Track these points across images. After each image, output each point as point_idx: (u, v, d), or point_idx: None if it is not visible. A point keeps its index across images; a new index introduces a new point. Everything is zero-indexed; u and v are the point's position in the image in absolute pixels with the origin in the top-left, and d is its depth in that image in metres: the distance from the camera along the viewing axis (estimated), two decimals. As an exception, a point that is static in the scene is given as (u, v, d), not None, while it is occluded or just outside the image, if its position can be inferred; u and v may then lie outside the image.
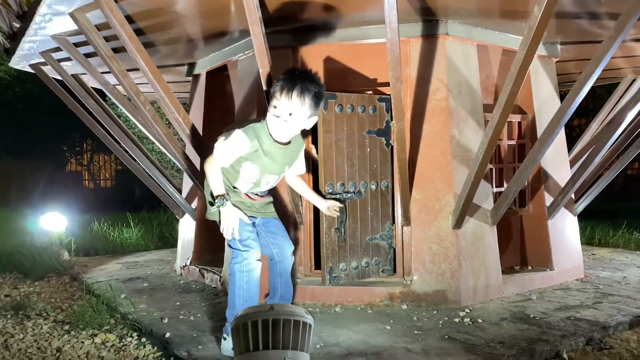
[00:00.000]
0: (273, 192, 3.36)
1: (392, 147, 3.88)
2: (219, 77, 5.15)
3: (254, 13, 3.14)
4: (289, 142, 2.96)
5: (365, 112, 3.81)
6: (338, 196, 3.65)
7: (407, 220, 3.87)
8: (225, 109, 5.01)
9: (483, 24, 4.03)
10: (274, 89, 2.80)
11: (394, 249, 3.97)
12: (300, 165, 3.21)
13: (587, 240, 6.71)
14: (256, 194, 3.09)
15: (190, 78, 5.50)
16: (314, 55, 4.08)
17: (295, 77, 2.77)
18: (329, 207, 3.45)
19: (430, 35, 3.88)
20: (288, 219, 4.02)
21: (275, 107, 2.79)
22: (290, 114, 2.76)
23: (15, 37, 4.71)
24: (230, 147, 2.81)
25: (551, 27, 3.97)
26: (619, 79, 5.95)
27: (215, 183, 2.87)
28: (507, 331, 3.19)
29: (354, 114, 3.76)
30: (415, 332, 3.22)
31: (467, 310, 3.62)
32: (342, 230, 3.70)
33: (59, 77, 5.29)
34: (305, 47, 4.08)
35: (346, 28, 3.96)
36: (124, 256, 6.48)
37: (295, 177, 3.31)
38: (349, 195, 3.72)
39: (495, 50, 4.35)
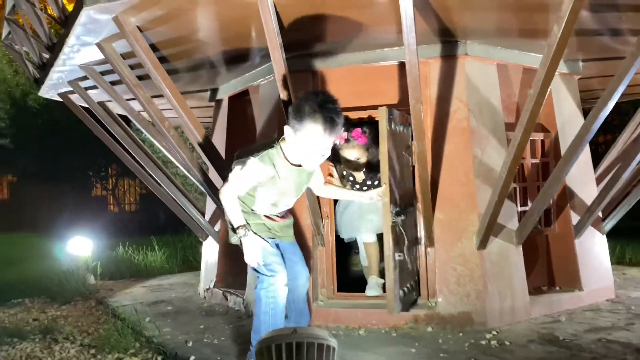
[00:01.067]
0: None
1: (413, 167, 3.86)
2: (240, 102, 5.23)
3: (275, 40, 3.20)
4: None
5: (402, 130, 3.70)
6: (396, 219, 3.44)
7: (430, 241, 3.83)
8: (247, 132, 5.07)
9: (502, 44, 4.03)
10: (305, 122, 2.69)
11: (418, 271, 3.92)
12: (319, 175, 3.18)
13: (618, 259, 6.52)
14: (276, 215, 3.06)
15: (213, 103, 5.60)
16: (333, 78, 4.12)
17: (329, 112, 2.70)
18: (371, 197, 3.37)
19: (449, 56, 3.90)
20: (307, 241, 4.02)
21: (309, 143, 2.74)
22: (328, 148, 2.80)
23: (44, 68, 4.87)
24: (247, 175, 2.80)
25: (572, 44, 3.94)
26: (644, 94, 5.87)
27: (234, 214, 2.84)
28: (535, 354, 3.12)
29: (399, 132, 3.63)
30: (441, 354, 3.16)
31: (494, 333, 3.55)
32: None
33: (85, 105, 5.44)
34: (325, 70, 4.13)
35: (365, 51, 4.01)
36: (149, 279, 6.53)
37: (323, 187, 3.30)
38: (401, 217, 3.53)
39: (516, 69, 4.34)
